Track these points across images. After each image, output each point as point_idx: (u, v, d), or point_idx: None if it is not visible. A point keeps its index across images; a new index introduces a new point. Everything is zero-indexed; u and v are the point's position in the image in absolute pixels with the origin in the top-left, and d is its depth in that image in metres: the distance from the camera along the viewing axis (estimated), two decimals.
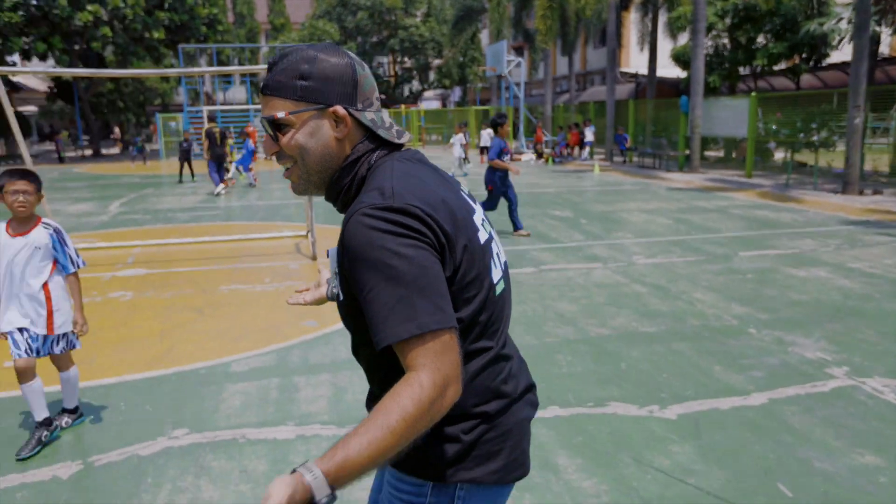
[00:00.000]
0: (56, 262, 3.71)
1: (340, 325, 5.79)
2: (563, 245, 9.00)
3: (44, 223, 3.66)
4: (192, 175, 20.42)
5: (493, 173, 9.65)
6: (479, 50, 43.02)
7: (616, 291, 6.61)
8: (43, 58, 31.36)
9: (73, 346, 3.86)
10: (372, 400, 1.49)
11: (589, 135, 24.95)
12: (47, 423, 3.73)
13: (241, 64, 39.43)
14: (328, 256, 1.42)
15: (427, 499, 1.42)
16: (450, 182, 1.44)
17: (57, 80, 37.35)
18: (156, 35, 30.97)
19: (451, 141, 20.22)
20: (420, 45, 43.25)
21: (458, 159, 20.03)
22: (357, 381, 4.59)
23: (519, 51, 29.12)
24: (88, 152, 36.92)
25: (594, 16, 26.46)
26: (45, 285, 3.63)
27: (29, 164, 8.99)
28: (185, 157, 19.69)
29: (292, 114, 1.35)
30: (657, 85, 26.66)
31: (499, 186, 9.63)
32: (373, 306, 1.21)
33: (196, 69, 8.70)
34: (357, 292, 1.25)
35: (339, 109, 1.35)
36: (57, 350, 3.77)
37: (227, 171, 17.42)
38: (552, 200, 13.80)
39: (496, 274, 1.43)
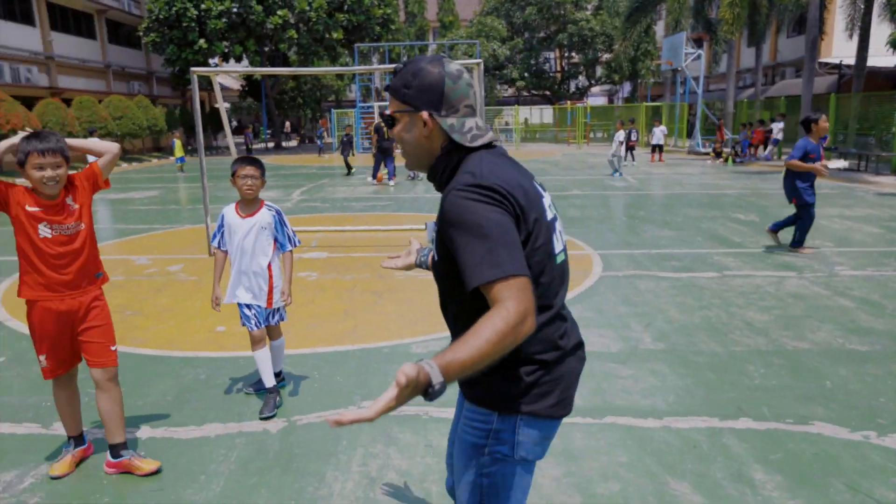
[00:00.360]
0: (276, 240, 4.04)
1: None
2: (747, 251, 8.38)
3: (267, 205, 4.00)
4: (350, 169, 20.99)
5: (794, 181, 7.92)
6: (654, 43, 41.12)
7: (816, 304, 6.03)
8: (238, 59, 34.68)
9: (283, 319, 4.23)
10: None
11: (777, 131, 22.33)
12: (276, 389, 4.09)
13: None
14: (426, 228, 1.79)
15: (493, 425, 1.75)
16: (525, 173, 1.79)
17: (248, 79, 41.09)
18: (335, 35, 33.07)
19: (614, 137, 19.02)
20: (589, 39, 42.37)
21: (612, 157, 18.62)
22: None
23: (698, 42, 27.38)
24: (271, 145, 40.30)
25: (792, 1, 24.26)
26: (269, 263, 3.98)
27: (234, 153, 9.98)
28: (346, 150, 20.65)
29: (397, 112, 1.79)
30: (866, 76, 23.62)
31: (806, 195, 7.89)
32: (466, 258, 1.55)
33: (367, 67, 9.13)
34: (454, 251, 1.59)
35: (424, 115, 1.74)
36: (273, 322, 4.14)
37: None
38: (733, 203, 12.91)
39: (557, 247, 1.78)
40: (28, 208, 3.03)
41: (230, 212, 3.96)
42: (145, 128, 29.98)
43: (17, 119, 21.72)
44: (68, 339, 3.21)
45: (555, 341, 1.76)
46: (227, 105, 49.85)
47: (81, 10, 33.08)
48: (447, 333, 5.44)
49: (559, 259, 1.78)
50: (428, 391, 1.39)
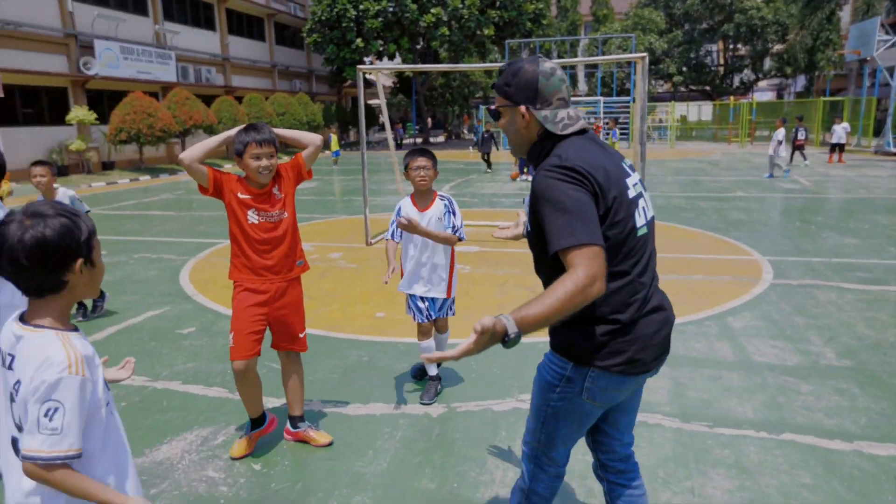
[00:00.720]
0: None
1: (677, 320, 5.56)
2: None
3: (440, 196, 4.01)
4: (489, 165, 21.15)
5: None
6: (837, 31, 36.88)
7: None
8: (391, 57, 36.00)
9: (452, 313, 4.25)
10: None
11: None
12: (438, 377, 4.17)
13: (560, 56, 40.47)
14: (524, 203, 2.05)
15: (568, 372, 2.01)
16: (611, 155, 2.01)
17: (400, 77, 42.56)
18: (486, 32, 33.33)
19: (774, 136, 17.13)
20: (759, 29, 39.40)
21: (772, 159, 16.98)
22: (698, 379, 4.35)
23: (894, 28, 24.55)
24: (419, 140, 41.49)
25: None
26: (451, 253, 4.01)
27: (392, 148, 10.37)
28: (486, 146, 20.72)
29: (501, 107, 2.09)
30: None
31: None
32: (548, 228, 1.83)
33: (485, 65, 9.00)
34: (540, 222, 1.88)
35: (522, 108, 2.03)
36: (442, 314, 4.16)
37: None
38: None
39: (639, 221, 1.98)
40: (239, 195, 3.21)
41: (407, 204, 4.01)
42: (305, 123, 31.97)
43: (198, 115, 24.01)
44: (262, 322, 3.30)
45: (629, 304, 1.96)
46: (377, 102, 51.92)
47: (255, 14, 35.93)
48: None
49: (640, 232, 1.99)
50: (504, 340, 1.67)
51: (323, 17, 32.84)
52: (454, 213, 3.98)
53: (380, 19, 32.29)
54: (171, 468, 3.32)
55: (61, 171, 21.34)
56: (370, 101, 43.79)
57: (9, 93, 19.75)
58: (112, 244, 9.50)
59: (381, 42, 34.30)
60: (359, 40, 32.72)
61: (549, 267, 1.96)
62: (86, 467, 1.58)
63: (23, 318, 1.61)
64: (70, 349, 1.54)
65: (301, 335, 3.48)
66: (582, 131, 2.03)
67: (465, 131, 31.37)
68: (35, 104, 21.70)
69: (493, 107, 2.14)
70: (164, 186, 18.86)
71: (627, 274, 1.95)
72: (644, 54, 8.15)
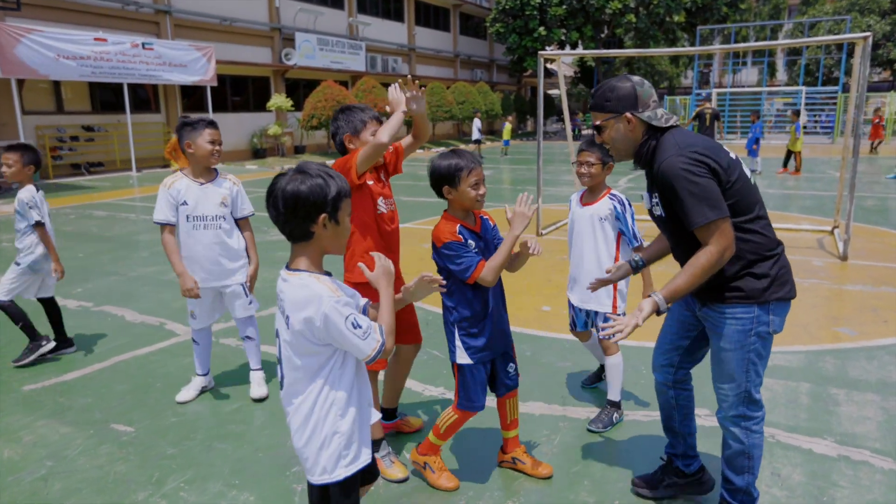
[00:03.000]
0: (621, 234, 3.56)
1: (885, 340, 4.84)
2: None
3: (610, 194, 3.58)
4: None
5: None
6: None
7: None
8: (574, 46, 35.21)
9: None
10: None
11: None
12: (618, 404, 3.59)
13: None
14: (642, 199, 2.62)
15: (755, 313, 2.38)
16: (705, 137, 2.40)
17: (581, 66, 41.59)
18: (676, 18, 31.45)
19: None
20: None
21: None
22: None
23: None
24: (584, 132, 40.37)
25: None
26: (609, 259, 3.54)
27: (570, 138, 10.06)
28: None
29: (604, 122, 2.47)
30: None
31: None
32: (684, 209, 2.27)
33: (707, 47, 8.26)
34: (675, 206, 2.31)
35: (628, 115, 2.42)
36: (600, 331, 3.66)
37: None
38: None
39: (748, 174, 2.41)
40: (368, 182, 3.02)
41: (575, 197, 3.72)
42: (484, 112, 32.32)
43: (382, 103, 25.15)
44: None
45: (774, 238, 2.41)
46: (557, 92, 51.30)
47: (441, 5, 36.90)
48: (801, 348, 4.68)
49: (753, 180, 2.44)
50: (658, 312, 2.32)
51: (507, 6, 32.92)
52: (627, 215, 3.51)
53: (564, 7, 31.72)
54: None
55: (259, 154, 23.47)
56: (549, 91, 43.36)
57: (221, 82, 22.05)
58: None
59: (563, 31, 33.70)
60: (541, 29, 32.41)
61: (687, 244, 2.39)
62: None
63: (287, 266, 1.95)
64: (325, 283, 1.86)
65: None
66: (675, 126, 2.44)
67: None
68: (242, 92, 24.04)
69: (598, 122, 2.48)
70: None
71: (763, 218, 2.39)
72: (868, 34, 7.11)
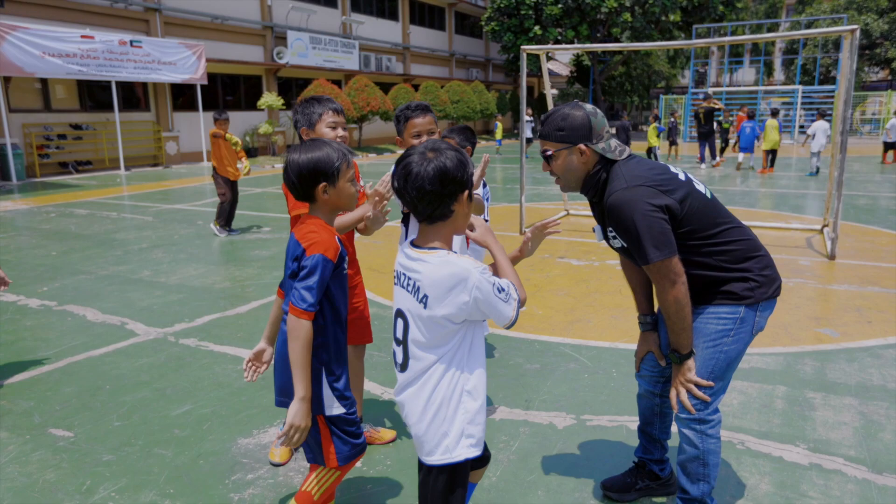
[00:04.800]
0: None
1: (867, 341, 4.69)
2: None
3: None
4: (677, 155, 20.57)
5: None
6: None
7: None
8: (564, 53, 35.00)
9: None
10: None
11: None
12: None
13: (755, 44, 36.95)
14: (595, 231, 2.58)
15: (741, 315, 2.34)
16: (655, 165, 2.36)
17: (577, 66, 41.41)
18: (672, 17, 31.30)
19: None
20: None
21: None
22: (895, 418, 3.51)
23: None
24: None
25: None
26: None
27: None
28: (671, 136, 20.00)
29: (556, 151, 2.37)
30: None
31: None
32: (631, 245, 2.29)
33: (702, 41, 8.12)
34: (624, 238, 2.31)
35: (582, 146, 2.33)
36: None
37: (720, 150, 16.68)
38: None
39: (702, 189, 2.39)
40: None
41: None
42: (478, 111, 32.16)
43: (375, 102, 24.99)
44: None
45: (754, 239, 2.38)
46: (555, 91, 51.11)
47: (436, 4, 36.72)
48: (780, 350, 4.54)
49: (709, 195, 2.39)
50: (682, 359, 2.38)
51: (502, 5, 32.76)
52: None
53: (559, 6, 31.55)
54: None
55: (250, 153, 23.31)
56: (544, 91, 43.24)
57: (212, 80, 21.90)
58: (271, 220, 10.02)
59: (559, 30, 33.54)
60: (537, 28, 32.26)
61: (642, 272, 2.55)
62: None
63: (413, 244, 1.89)
64: (464, 257, 1.83)
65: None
66: (631, 155, 2.40)
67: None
68: (234, 91, 23.87)
69: (548, 151, 2.37)
70: None
71: (734, 226, 2.36)
72: (855, 27, 6.98)
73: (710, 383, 2.37)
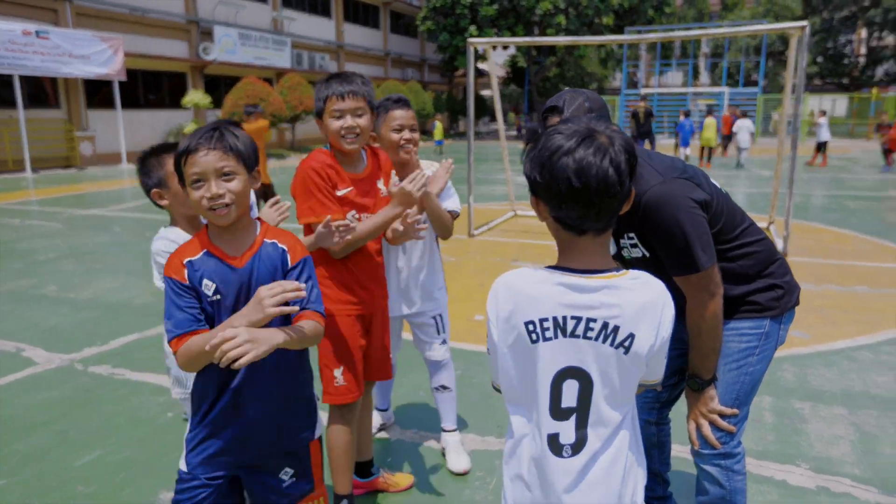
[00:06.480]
0: None
1: (838, 343, 4.51)
2: None
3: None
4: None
5: None
6: None
7: None
8: (505, 47, 35.07)
9: None
10: None
11: None
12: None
13: (683, 47, 38.03)
14: None
15: (765, 329, 2.04)
16: (682, 161, 2.05)
17: (512, 67, 41.55)
18: (605, 20, 31.74)
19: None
20: None
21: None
22: (891, 428, 3.27)
23: None
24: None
25: None
26: None
27: (503, 138, 9.57)
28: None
29: None
30: None
31: None
32: (670, 251, 1.94)
33: (635, 37, 7.99)
34: (658, 243, 1.95)
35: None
36: None
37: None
38: None
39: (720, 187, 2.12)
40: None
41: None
42: (415, 111, 31.69)
43: (308, 101, 24.19)
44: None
45: (768, 239, 2.08)
46: (489, 93, 51.28)
47: (370, 2, 36.11)
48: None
49: (723, 189, 2.11)
50: (702, 385, 2.04)
51: (437, 4, 32.45)
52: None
53: (494, 6, 31.49)
54: None
55: None
56: (481, 92, 43.21)
57: (132, 77, 20.59)
58: None
59: (495, 30, 33.49)
60: (472, 28, 32.08)
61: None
62: None
63: (572, 270, 1.34)
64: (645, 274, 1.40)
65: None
66: None
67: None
68: (156, 88, 22.59)
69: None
70: (272, 170, 19.01)
71: (752, 222, 2.08)
72: (804, 23, 6.89)
73: (735, 411, 2.02)
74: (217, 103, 23.29)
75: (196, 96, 21.48)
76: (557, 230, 1.37)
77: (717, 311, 1.90)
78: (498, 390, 1.46)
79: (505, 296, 1.37)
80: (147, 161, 2.13)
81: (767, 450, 3.09)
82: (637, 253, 2.01)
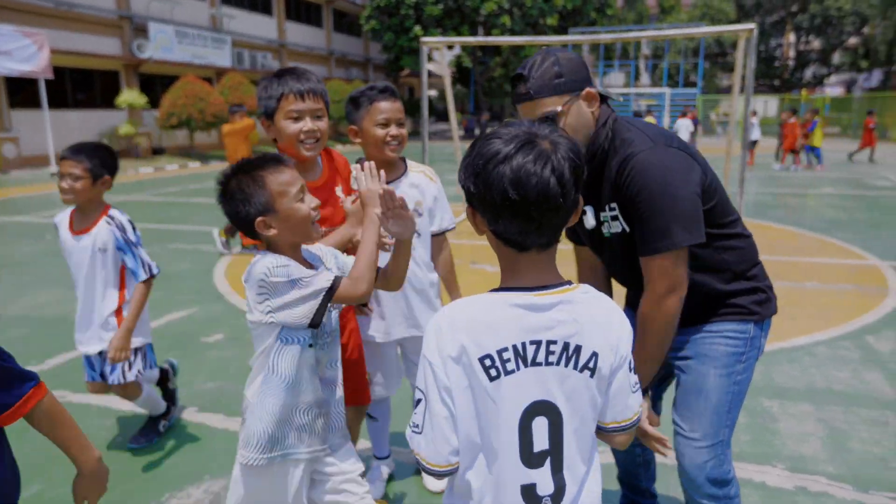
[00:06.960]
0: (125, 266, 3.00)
1: (798, 339, 4.56)
2: None
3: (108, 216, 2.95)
4: None
5: None
6: None
7: None
8: (450, 47, 35.10)
9: None
10: None
11: None
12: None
13: (624, 50, 38.85)
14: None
15: (751, 333, 1.92)
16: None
17: (458, 67, 41.60)
18: (549, 21, 32.12)
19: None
20: (836, 20, 37.12)
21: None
22: (858, 423, 3.33)
23: None
24: (477, 131, 40.57)
25: None
26: None
27: (456, 138, 9.50)
28: None
29: (562, 106, 1.77)
30: None
31: None
32: (648, 225, 1.76)
33: (589, 37, 8.04)
34: (638, 216, 1.79)
35: (589, 89, 1.81)
36: None
37: None
38: None
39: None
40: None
41: (62, 222, 3.02)
42: None
43: (251, 101, 23.58)
44: None
45: (752, 237, 1.98)
46: (435, 92, 51.22)
47: (313, 0, 35.51)
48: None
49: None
50: None
51: (381, 4, 32.19)
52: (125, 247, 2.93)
53: (440, 6, 31.45)
54: None
55: None
56: (428, 92, 43.15)
57: (59, 75, 19.57)
58: (148, 233, 8.86)
59: (440, 30, 33.44)
60: (417, 28, 31.96)
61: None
62: None
63: (524, 288, 1.20)
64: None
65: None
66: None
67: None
68: (86, 87, 21.58)
69: (557, 108, 1.75)
70: (213, 173, 18.40)
71: (738, 215, 1.95)
72: (751, 26, 7.03)
73: (656, 419, 1.95)
74: (154, 103, 22.42)
75: (131, 96, 20.62)
76: (498, 245, 1.23)
77: (672, 314, 1.72)
78: (435, 473, 1.21)
79: (451, 333, 1.17)
80: (238, 183, 1.65)
81: (743, 451, 3.07)
82: (617, 227, 1.84)
